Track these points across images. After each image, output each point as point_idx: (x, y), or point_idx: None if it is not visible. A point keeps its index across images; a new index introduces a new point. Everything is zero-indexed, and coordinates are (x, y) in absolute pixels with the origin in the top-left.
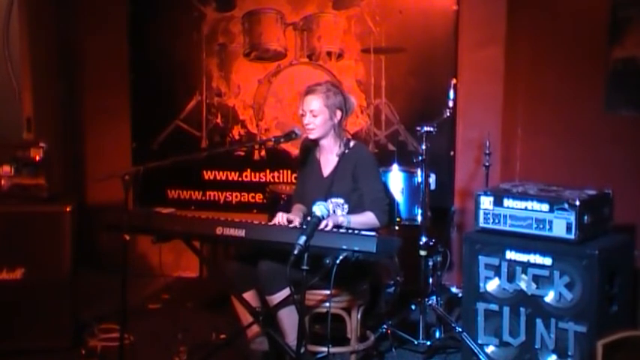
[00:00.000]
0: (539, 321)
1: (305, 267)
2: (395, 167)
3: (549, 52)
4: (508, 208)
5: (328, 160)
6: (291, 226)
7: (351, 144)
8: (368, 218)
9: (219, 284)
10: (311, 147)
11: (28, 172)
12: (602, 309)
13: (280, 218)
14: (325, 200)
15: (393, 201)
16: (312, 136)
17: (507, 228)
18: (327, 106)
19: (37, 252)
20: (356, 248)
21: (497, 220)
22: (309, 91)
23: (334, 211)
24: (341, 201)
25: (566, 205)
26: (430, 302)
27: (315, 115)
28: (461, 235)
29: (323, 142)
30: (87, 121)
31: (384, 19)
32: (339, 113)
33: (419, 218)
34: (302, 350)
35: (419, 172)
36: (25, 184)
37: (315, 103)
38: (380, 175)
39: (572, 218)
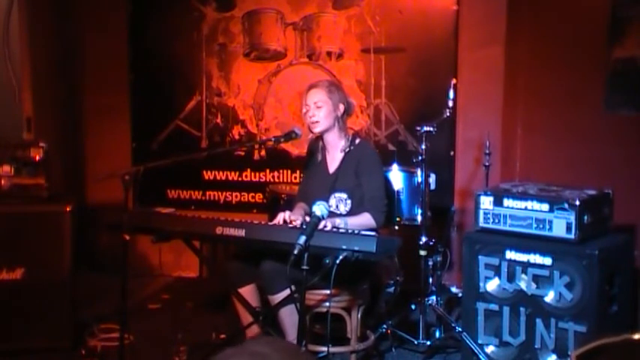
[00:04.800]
0: (539, 321)
1: (305, 267)
2: (395, 167)
3: (549, 52)
4: (508, 208)
5: (334, 157)
6: (290, 226)
7: (357, 141)
8: (365, 219)
9: (220, 283)
10: (317, 148)
11: (28, 172)
12: (602, 309)
13: (282, 218)
14: (329, 195)
15: (393, 201)
16: (316, 130)
17: (507, 228)
18: (330, 98)
19: (37, 252)
20: (356, 248)
21: (497, 220)
22: (312, 85)
23: (337, 207)
24: (344, 196)
25: (566, 205)
26: (430, 302)
27: (320, 107)
28: (461, 235)
29: (328, 138)
30: (87, 121)
31: (384, 19)
32: (341, 107)
33: (419, 218)
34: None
35: (419, 172)
36: (25, 184)
37: (318, 95)
38: (382, 173)
39: (572, 218)
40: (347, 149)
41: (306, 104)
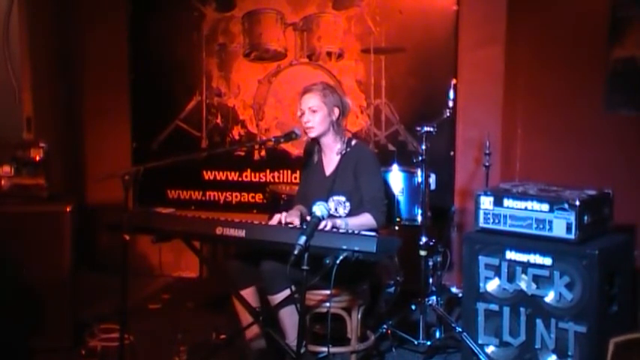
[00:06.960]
0: (539, 321)
1: (305, 267)
2: (395, 167)
3: (549, 52)
4: (508, 208)
5: (330, 159)
6: (290, 226)
7: (353, 143)
8: (366, 219)
9: (220, 283)
10: (313, 149)
11: (28, 172)
12: (602, 309)
13: (278, 219)
14: (327, 198)
15: (393, 201)
16: (312, 134)
17: (507, 228)
18: (325, 102)
19: (37, 252)
20: (356, 248)
21: (497, 220)
22: (306, 90)
23: (336, 209)
24: (343, 199)
25: (566, 205)
26: (430, 302)
27: (314, 111)
28: (461, 235)
29: (324, 141)
30: (87, 121)
31: (384, 19)
32: (336, 111)
33: (419, 218)
34: (302, 350)
35: (419, 172)
36: (25, 184)
37: (313, 100)
38: (381, 174)
39: (572, 218)
40: (343, 152)
41: (300, 108)
